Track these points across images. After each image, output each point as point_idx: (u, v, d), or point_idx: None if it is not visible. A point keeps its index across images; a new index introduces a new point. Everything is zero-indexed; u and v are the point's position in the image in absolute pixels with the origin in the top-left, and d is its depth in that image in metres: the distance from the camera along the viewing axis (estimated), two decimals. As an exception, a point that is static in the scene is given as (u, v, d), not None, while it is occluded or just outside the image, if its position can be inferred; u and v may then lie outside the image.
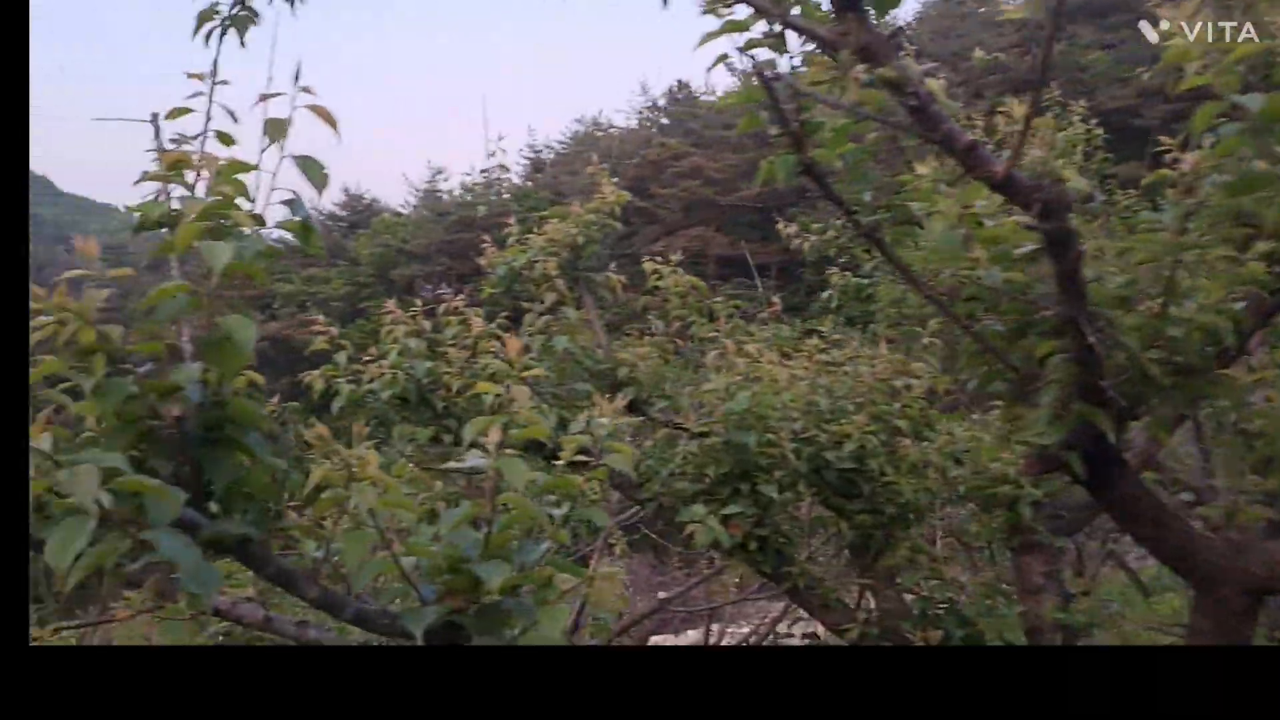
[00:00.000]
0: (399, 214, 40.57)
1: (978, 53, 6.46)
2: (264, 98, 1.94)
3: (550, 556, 1.95)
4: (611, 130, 44.86)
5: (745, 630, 8.60)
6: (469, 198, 39.74)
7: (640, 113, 43.82)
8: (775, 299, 4.92)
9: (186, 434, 1.71)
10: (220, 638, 2.95)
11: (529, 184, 36.45)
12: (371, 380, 3.99)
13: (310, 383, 4.02)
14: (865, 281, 6.08)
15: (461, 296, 4.54)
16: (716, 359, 3.68)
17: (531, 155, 40.43)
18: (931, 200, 2.14)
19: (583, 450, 2.17)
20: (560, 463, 2.15)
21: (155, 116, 2.56)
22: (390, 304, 4.18)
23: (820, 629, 4.65)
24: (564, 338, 3.96)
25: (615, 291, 4.45)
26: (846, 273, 6.07)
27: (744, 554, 3.40)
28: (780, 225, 5.68)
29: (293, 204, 1.95)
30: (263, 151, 1.97)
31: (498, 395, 3.53)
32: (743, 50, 2.04)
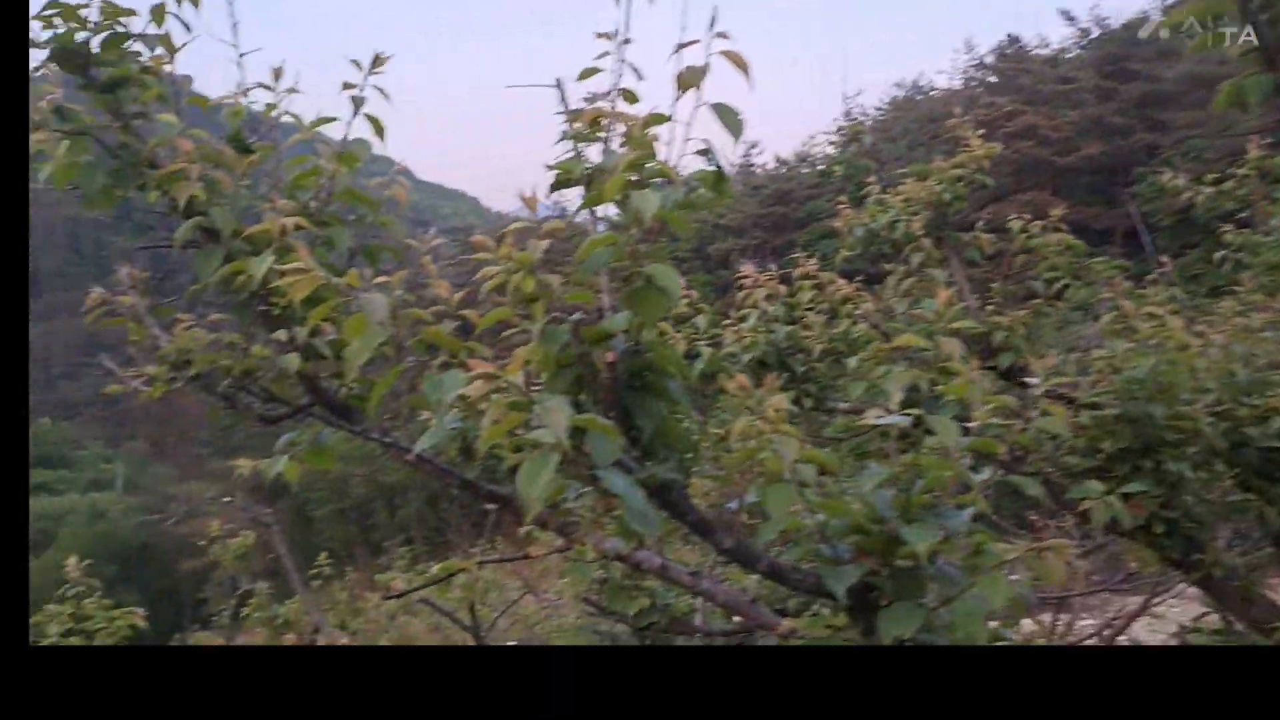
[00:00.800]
0: (715, 189, 41.19)
1: None
2: (680, 47, 1.94)
3: (974, 524, 1.82)
4: (933, 93, 42.91)
5: (1094, 623, 7.91)
6: (784, 170, 39.67)
7: (964, 72, 41.52)
8: (1164, 258, 4.39)
9: (617, 380, 1.75)
10: (601, 582, 3.08)
11: (847, 152, 35.72)
12: (731, 344, 4.02)
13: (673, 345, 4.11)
14: (1267, 239, 5.28)
15: (813, 261, 4.46)
16: (1112, 323, 3.33)
17: (848, 123, 39.49)
18: None
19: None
20: (975, 423, 2.00)
21: (559, 81, 2.68)
22: (748, 267, 4.18)
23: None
24: (932, 300, 3.75)
25: (984, 251, 4.17)
26: (1244, 230, 5.29)
27: (1146, 536, 3.05)
28: (1167, 177, 5.05)
29: (707, 153, 1.94)
30: (675, 102, 1.97)
31: (864, 361, 3.39)
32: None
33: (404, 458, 2.33)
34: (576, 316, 1.81)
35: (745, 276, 4.22)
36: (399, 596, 2.80)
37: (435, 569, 2.38)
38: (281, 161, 2.49)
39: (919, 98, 42.74)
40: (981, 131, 4.33)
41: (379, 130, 2.42)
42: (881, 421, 1.84)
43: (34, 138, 2.20)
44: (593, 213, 2.31)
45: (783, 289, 4.28)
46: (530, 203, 1.79)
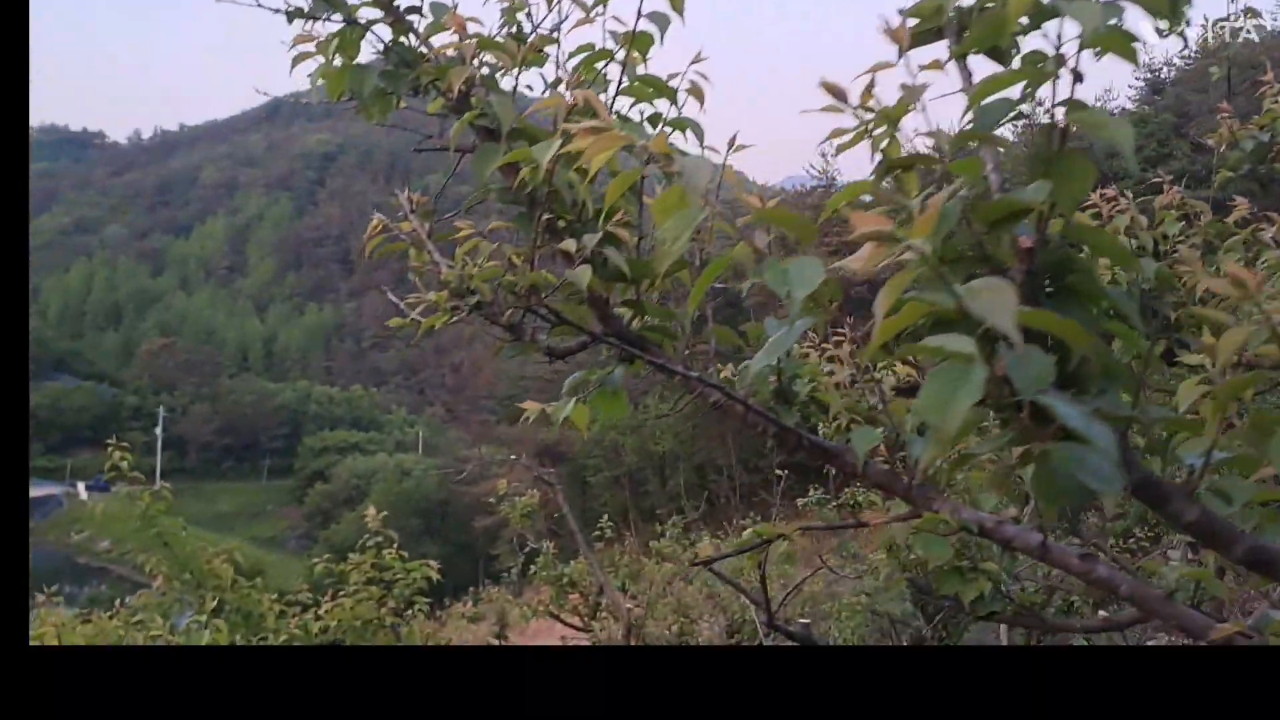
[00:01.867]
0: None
1: None
2: None
3: None
4: (1249, 34, 37.47)
5: None
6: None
7: (1291, 8, 35.93)
8: None
9: (1032, 277, 1.22)
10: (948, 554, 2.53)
11: (1146, 108, 32.10)
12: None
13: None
14: None
15: (1177, 189, 3.65)
16: None
17: (1148, 75, 35.02)
18: None
19: None
20: None
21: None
22: (1108, 190, 3.43)
23: None
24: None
25: None
26: None
27: None
28: None
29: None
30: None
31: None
32: None
33: (710, 400, 1.91)
34: (964, 191, 1.30)
35: (1097, 205, 3.48)
36: (708, 564, 2.44)
37: (746, 534, 1.94)
38: (565, 53, 2.13)
39: (1233, 41, 37.52)
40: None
41: (677, 4, 2.00)
42: None
43: (301, 47, 1.99)
44: (964, 67, 1.77)
45: (1142, 219, 3.51)
46: (897, 36, 1.29)
